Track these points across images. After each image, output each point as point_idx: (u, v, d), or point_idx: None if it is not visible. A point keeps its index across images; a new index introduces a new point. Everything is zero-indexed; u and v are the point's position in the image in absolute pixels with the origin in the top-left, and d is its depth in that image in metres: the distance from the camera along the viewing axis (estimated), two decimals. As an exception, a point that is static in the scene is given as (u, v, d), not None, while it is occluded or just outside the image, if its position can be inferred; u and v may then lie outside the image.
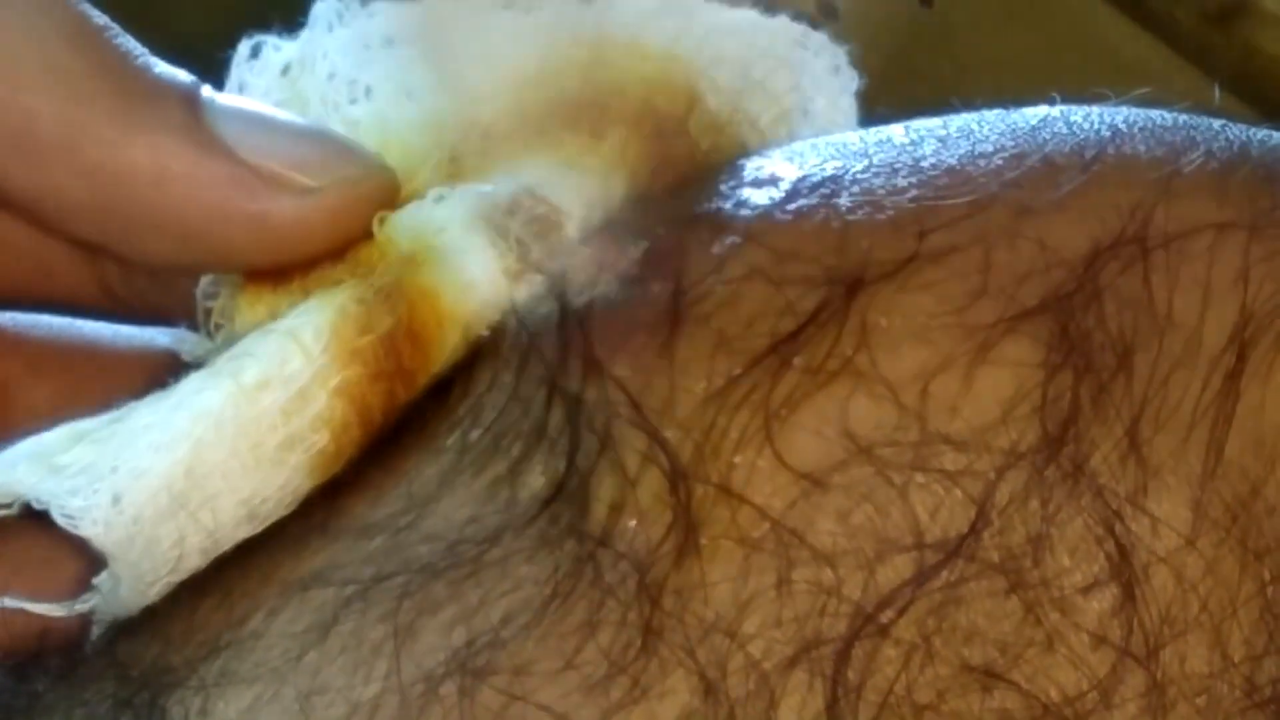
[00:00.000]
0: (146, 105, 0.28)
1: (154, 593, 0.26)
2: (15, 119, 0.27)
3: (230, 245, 0.28)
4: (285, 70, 0.31)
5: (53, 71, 0.28)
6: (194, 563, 0.26)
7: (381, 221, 0.28)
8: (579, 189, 0.29)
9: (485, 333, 0.27)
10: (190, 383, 0.26)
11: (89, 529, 0.25)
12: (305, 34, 0.31)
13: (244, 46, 0.31)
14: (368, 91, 0.31)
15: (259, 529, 0.26)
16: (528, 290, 0.27)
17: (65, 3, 0.28)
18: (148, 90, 0.28)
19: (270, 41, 0.31)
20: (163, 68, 0.29)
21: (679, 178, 0.30)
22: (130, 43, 0.29)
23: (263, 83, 0.31)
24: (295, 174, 0.28)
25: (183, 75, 0.29)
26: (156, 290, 0.32)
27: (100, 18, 0.28)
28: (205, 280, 0.30)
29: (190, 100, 0.28)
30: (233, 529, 0.26)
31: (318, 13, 0.31)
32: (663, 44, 0.31)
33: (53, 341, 0.32)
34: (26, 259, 0.32)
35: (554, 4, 0.31)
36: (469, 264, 0.27)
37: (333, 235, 0.28)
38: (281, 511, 0.26)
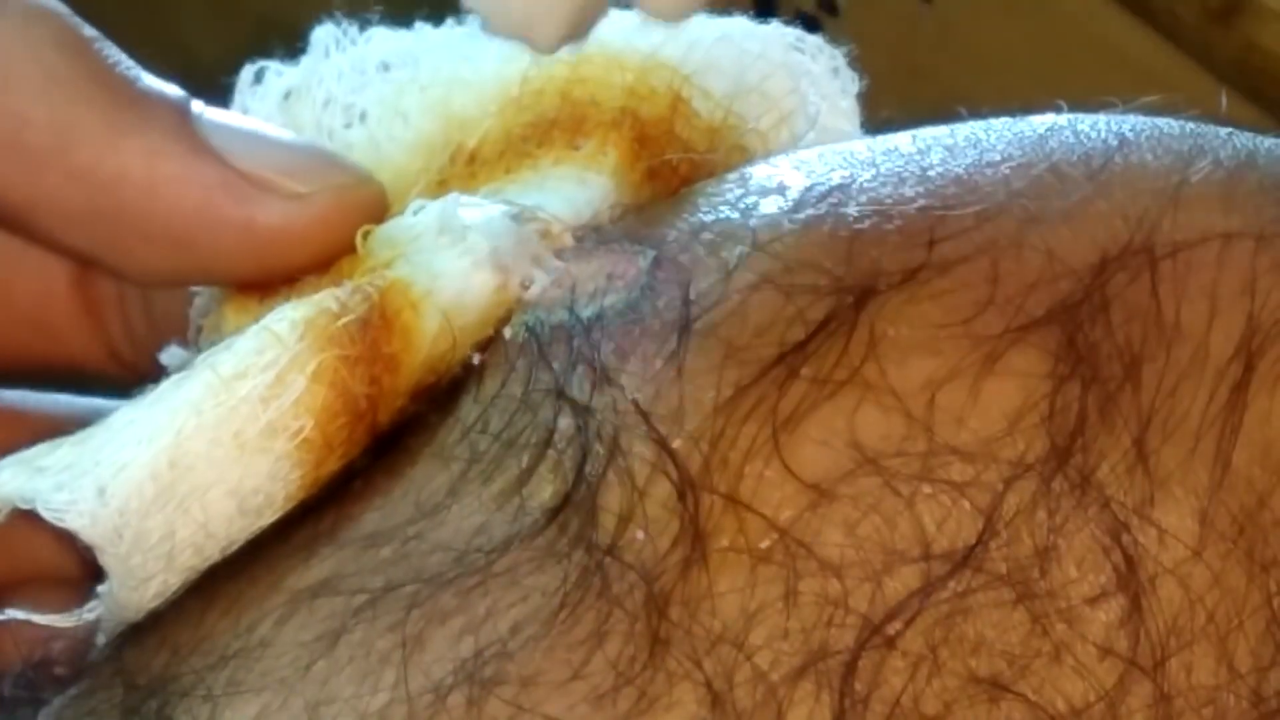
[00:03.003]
0: (137, 111, 0.28)
1: (151, 592, 0.26)
2: (7, 124, 0.28)
3: (220, 251, 0.28)
4: (286, 96, 0.31)
5: (44, 77, 0.28)
6: (188, 559, 0.26)
7: (365, 236, 0.28)
8: (556, 193, 0.29)
9: (470, 323, 0.27)
10: (169, 380, 0.26)
11: (75, 521, 0.25)
12: (305, 60, 0.31)
13: (247, 72, 0.31)
14: (363, 116, 0.31)
15: (254, 524, 0.26)
16: (511, 285, 0.28)
17: (56, 13, 0.28)
18: (138, 97, 0.28)
19: (273, 67, 0.31)
20: (152, 79, 0.29)
21: (679, 180, 0.30)
22: (120, 54, 0.29)
23: (264, 108, 0.31)
24: (285, 180, 0.29)
25: (172, 88, 0.29)
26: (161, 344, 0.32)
27: (90, 30, 0.29)
28: (199, 298, 0.30)
29: (180, 110, 0.29)
30: (225, 523, 0.26)
31: (317, 38, 0.31)
32: (643, 55, 0.31)
33: (61, 415, 0.32)
34: (31, 321, 0.32)
35: None
36: (438, 257, 0.28)
37: (321, 243, 0.29)
38: (276, 507, 0.26)
